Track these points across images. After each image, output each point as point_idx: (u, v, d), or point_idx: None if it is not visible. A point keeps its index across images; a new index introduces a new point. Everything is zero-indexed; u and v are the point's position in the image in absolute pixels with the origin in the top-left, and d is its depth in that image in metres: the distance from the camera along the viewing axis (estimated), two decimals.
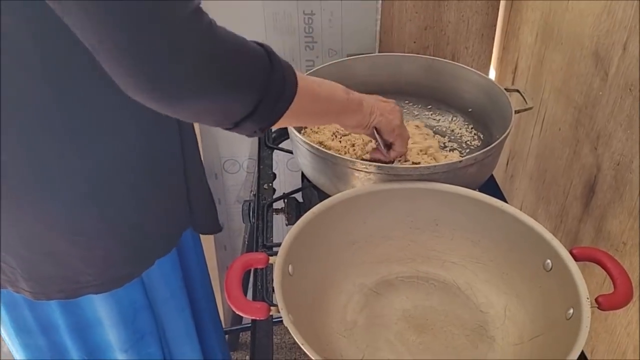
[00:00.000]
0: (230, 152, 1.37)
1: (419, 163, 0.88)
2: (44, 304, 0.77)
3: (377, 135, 0.80)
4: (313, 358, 0.57)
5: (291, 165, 1.37)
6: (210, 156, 1.35)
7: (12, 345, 0.86)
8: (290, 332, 0.59)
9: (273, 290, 0.80)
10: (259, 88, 0.55)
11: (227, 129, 0.58)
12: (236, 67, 0.53)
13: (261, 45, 0.57)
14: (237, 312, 0.63)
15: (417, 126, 1.01)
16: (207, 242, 1.44)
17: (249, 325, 1.55)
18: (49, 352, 0.85)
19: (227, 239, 1.51)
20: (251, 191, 1.26)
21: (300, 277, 0.69)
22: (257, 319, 0.63)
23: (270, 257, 0.68)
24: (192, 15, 0.49)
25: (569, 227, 1.00)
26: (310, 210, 0.75)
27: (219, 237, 1.49)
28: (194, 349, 1.00)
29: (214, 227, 0.96)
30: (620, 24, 0.83)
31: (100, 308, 0.80)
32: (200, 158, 0.90)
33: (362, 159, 0.87)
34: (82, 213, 0.70)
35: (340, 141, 0.95)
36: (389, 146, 0.83)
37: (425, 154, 0.91)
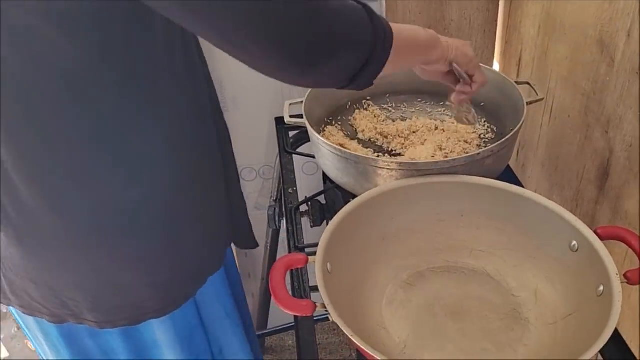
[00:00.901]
0: (246, 160, 1.40)
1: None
2: (106, 333, 0.79)
3: (456, 68, 0.80)
4: (364, 348, 0.60)
5: (307, 169, 1.40)
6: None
7: None
8: (340, 326, 0.62)
9: (310, 290, 0.84)
10: (365, 49, 0.60)
11: (342, 87, 0.63)
12: (345, 30, 0.58)
13: (362, 4, 0.62)
14: (285, 311, 0.66)
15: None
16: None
17: (273, 330, 1.58)
18: None
19: None
20: (271, 197, 1.29)
21: (337, 275, 0.72)
22: (305, 315, 0.66)
23: (310, 257, 0.71)
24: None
25: (586, 210, 1.04)
26: (342, 209, 0.78)
27: None
28: None
29: (252, 242, 0.98)
30: (623, 11, 0.86)
31: (159, 331, 0.82)
32: (237, 173, 0.92)
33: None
34: (143, 242, 0.72)
35: (358, 141, 0.99)
36: (469, 79, 0.83)
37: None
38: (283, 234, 1.40)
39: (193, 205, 0.77)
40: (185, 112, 0.72)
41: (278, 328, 1.55)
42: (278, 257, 1.42)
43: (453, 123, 1.06)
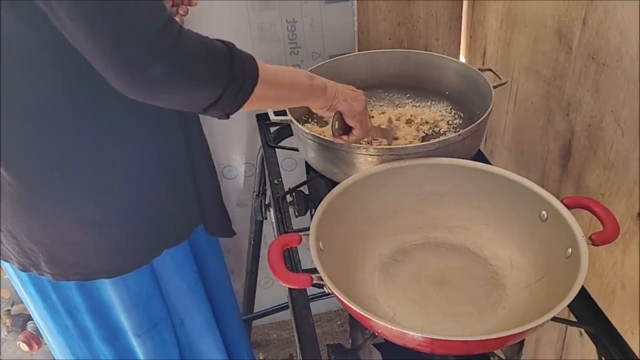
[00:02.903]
0: (227, 159, 1.44)
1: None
2: (64, 287, 0.86)
3: (336, 119, 0.86)
4: (360, 312, 0.65)
5: (286, 165, 1.45)
6: None
7: (46, 326, 0.94)
8: (337, 295, 0.67)
9: (302, 270, 0.89)
10: (222, 81, 0.65)
11: (198, 112, 0.69)
12: (201, 65, 0.64)
13: (224, 42, 0.67)
14: (284, 284, 0.71)
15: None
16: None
17: (261, 312, 1.60)
18: (75, 333, 0.93)
19: (231, 242, 1.57)
20: (253, 192, 1.34)
21: (329, 252, 0.78)
22: (302, 287, 0.70)
23: (303, 236, 0.76)
24: (165, 26, 0.60)
25: (551, 189, 1.10)
26: (330, 192, 0.84)
27: (222, 240, 1.55)
28: (216, 341, 1.07)
29: (226, 230, 1.03)
30: (578, 1, 0.94)
31: (113, 292, 0.88)
32: (212, 162, 0.98)
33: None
34: (94, 206, 0.79)
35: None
36: (349, 130, 0.89)
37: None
38: (265, 229, 1.44)
39: (151, 185, 0.83)
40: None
41: (265, 310, 1.58)
42: (263, 253, 1.46)
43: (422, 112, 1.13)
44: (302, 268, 0.91)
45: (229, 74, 0.66)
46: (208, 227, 0.98)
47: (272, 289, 1.68)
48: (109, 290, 0.88)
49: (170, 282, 0.96)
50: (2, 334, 1.47)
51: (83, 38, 0.59)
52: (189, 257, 0.98)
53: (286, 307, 1.49)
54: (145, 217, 0.84)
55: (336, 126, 0.87)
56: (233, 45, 0.68)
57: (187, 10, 0.91)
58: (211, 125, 1.35)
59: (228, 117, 0.71)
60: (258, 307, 1.61)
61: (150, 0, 0.60)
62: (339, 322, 1.78)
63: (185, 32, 0.63)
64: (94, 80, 0.67)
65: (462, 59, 1.45)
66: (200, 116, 0.91)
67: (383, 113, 1.12)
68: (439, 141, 0.90)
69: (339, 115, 0.86)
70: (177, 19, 0.94)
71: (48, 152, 0.74)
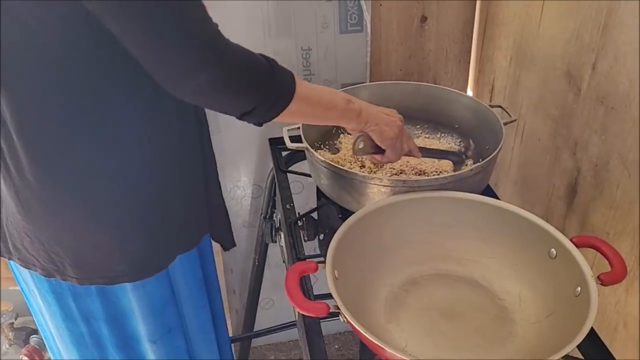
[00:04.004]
0: (236, 179, 1.46)
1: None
2: (85, 295, 0.88)
3: (361, 139, 0.89)
4: (376, 342, 0.66)
5: (294, 188, 1.47)
6: None
7: (59, 335, 0.94)
8: (353, 323, 0.69)
9: (314, 297, 0.90)
10: (260, 93, 0.71)
11: (236, 117, 0.74)
12: (243, 76, 0.69)
13: (266, 57, 0.73)
14: (301, 312, 0.72)
15: None
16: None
17: (259, 331, 1.61)
18: (90, 341, 0.94)
19: (234, 262, 1.59)
20: (260, 214, 1.35)
21: (343, 281, 0.79)
22: (319, 316, 0.72)
23: (319, 264, 0.78)
24: (214, 36, 0.66)
25: (555, 224, 1.13)
26: (345, 222, 0.86)
27: (226, 260, 1.57)
28: (211, 348, 1.10)
29: (229, 241, 1.06)
30: (589, 46, 0.98)
31: (133, 297, 0.90)
32: (217, 174, 1.00)
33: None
34: (119, 211, 0.81)
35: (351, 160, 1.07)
36: (383, 151, 0.92)
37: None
38: (269, 250, 1.45)
39: (172, 192, 0.86)
40: (170, 113, 0.81)
41: (265, 330, 1.58)
42: (265, 273, 1.48)
43: (432, 144, 1.16)
44: (315, 293, 0.92)
45: (268, 86, 0.72)
46: (214, 235, 1.02)
47: (272, 309, 1.69)
48: (130, 295, 0.90)
49: (180, 287, 0.98)
50: (3, 347, 1.47)
51: (134, 38, 0.64)
52: (197, 264, 1.00)
53: (286, 328, 1.49)
54: (163, 222, 0.87)
55: (361, 146, 0.90)
56: (274, 61, 0.73)
57: None
58: (222, 145, 1.38)
59: (261, 125, 0.76)
60: (257, 327, 1.62)
61: (201, 11, 0.65)
62: (336, 346, 1.79)
63: (231, 44, 0.68)
64: (117, 85, 0.73)
65: (470, 92, 1.48)
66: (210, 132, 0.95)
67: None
68: (452, 175, 0.93)
69: (367, 136, 0.89)
70: None
71: (72, 157, 0.76)
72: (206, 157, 0.94)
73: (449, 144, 1.16)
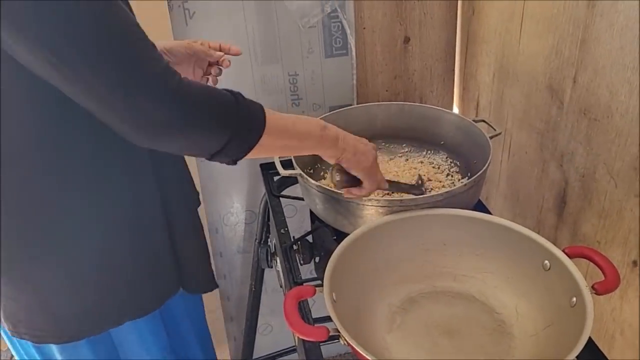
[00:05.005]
0: (229, 206, 1.47)
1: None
2: (46, 347, 0.85)
3: (337, 170, 0.86)
4: None
5: (287, 212, 1.47)
6: (211, 211, 1.44)
7: None
8: (354, 347, 0.69)
9: (313, 321, 0.90)
10: (228, 128, 0.67)
11: (206, 158, 0.70)
12: (205, 111, 0.65)
13: (230, 91, 0.68)
14: (300, 337, 0.72)
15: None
16: (211, 294, 1.51)
17: (258, 358, 1.59)
18: None
19: (230, 289, 1.58)
20: (255, 239, 1.36)
21: (341, 303, 0.80)
22: (319, 340, 0.72)
23: (317, 288, 0.79)
24: (165, 70, 0.63)
25: (547, 235, 1.15)
26: (340, 245, 0.86)
27: (222, 287, 1.56)
28: None
29: (208, 286, 1.00)
30: (568, 61, 1.00)
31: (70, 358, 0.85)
32: (195, 216, 0.96)
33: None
34: (43, 267, 0.77)
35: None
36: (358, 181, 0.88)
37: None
38: (265, 275, 1.45)
39: (112, 247, 0.80)
40: (115, 169, 0.77)
41: (265, 356, 1.57)
42: (262, 299, 1.47)
43: (421, 162, 1.18)
44: (313, 317, 0.92)
45: (235, 121, 0.67)
46: (188, 288, 0.95)
47: (271, 335, 1.68)
48: (58, 357, 0.85)
49: (132, 356, 0.92)
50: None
51: (85, 88, 0.60)
52: (158, 329, 0.93)
53: (286, 354, 1.49)
54: (100, 283, 0.81)
55: (338, 178, 0.87)
56: (240, 94, 0.69)
57: (220, 71, 0.96)
58: (213, 173, 1.39)
59: (235, 163, 0.72)
60: (256, 354, 1.61)
61: (148, 47, 0.62)
62: None
63: (187, 79, 0.64)
64: (67, 138, 0.70)
65: (456, 109, 1.51)
66: (197, 166, 0.93)
67: (415, 169, 1.16)
68: (445, 192, 0.94)
69: (340, 167, 0.86)
70: (210, 80, 0.99)
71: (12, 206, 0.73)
72: (170, 202, 0.88)
73: (436, 160, 1.18)
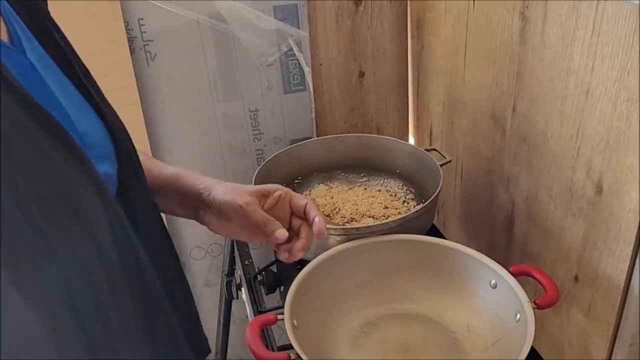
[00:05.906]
0: (195, 240, 1.49)
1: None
2: None
3: None
4: None
5: (252, 243, 1.51)
6: (178, 245, 1.47)
7: None
8: None
9: (277, 348, 0.94)
10: None
11: None
12: None
13: None
14: None
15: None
16: None
17: None
18: None
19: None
20: (222, 271, 1.38)
21: (303, 329, 0.84)
22: None
23: (278, 315, 0.82)
24: None
25: (500, 255, 1.21)
26: (300, 273, 0.91)
27: None
28: None
29: (203, 353, 0.86)
30: (507, 91, 1.08)
31: None
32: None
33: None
34: None
35: None
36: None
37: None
38: (233, 307, 1.48)
39: None
40: None
41: None
42: (231, 331, 1.49)
43: (378, 190, 1.23)
44: (278, 344, 0.96)
45: None
46: None
47: None
48: None
49: None
50: None
51: None
52: None
53: None
54: None
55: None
56: None
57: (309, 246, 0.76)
58: None
59: None
60: None
61: None
62: None
63: None
64: None
65: (411, 138, 1.58)
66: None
67: (372, 197, 1.21)
68: (399, 218, 1.00)
69: None
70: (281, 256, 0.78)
71: None
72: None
73: (392, 188, 1.24)
